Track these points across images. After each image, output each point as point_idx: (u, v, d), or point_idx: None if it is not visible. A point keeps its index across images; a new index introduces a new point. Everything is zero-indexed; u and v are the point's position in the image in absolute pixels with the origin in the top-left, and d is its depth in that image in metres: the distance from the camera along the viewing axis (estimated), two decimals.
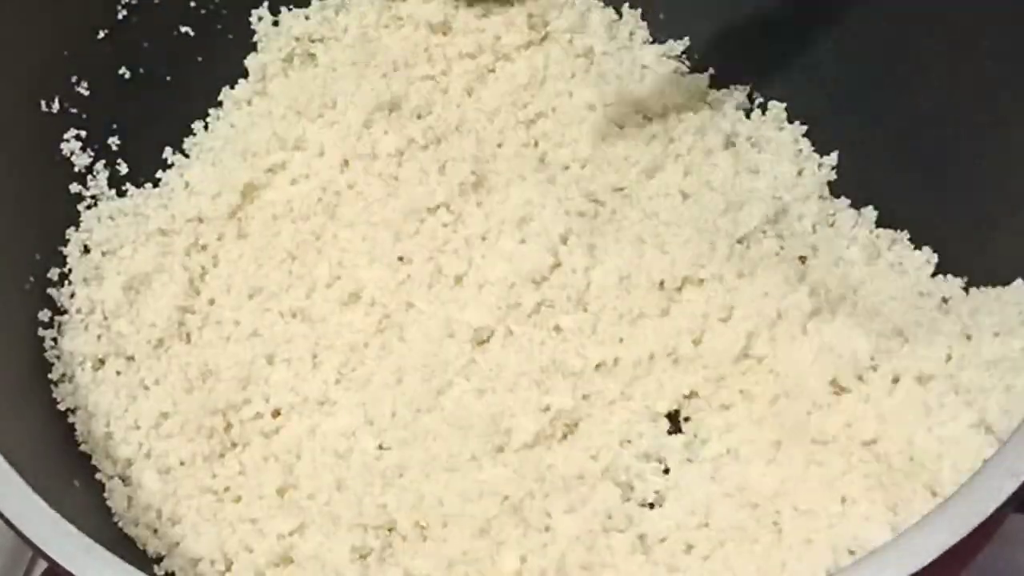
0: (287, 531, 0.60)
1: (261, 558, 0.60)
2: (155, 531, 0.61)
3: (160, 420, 0.64)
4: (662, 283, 0.65)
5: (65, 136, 0.69)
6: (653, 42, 0.77)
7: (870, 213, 0.70)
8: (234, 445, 0.64)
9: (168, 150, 0.73)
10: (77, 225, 0.69)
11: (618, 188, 0.70)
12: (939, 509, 0.46)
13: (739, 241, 0.67)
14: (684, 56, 0.77)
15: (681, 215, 0.68)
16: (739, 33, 0.76)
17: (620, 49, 0.76)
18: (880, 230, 0.69)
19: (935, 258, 0.67)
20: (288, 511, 0.61)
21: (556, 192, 0.68)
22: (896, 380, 0.60)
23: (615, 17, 0.77)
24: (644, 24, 0.78)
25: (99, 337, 0.66)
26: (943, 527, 0.46)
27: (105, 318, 0.66)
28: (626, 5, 0.78)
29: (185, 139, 0.74)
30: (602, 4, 0.78)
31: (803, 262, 0.67)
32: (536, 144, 0.73)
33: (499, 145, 0.72)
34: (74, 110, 0.70)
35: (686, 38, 0.76)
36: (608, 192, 0.70)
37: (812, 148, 0.73)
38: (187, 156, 0.73)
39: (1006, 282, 0.63)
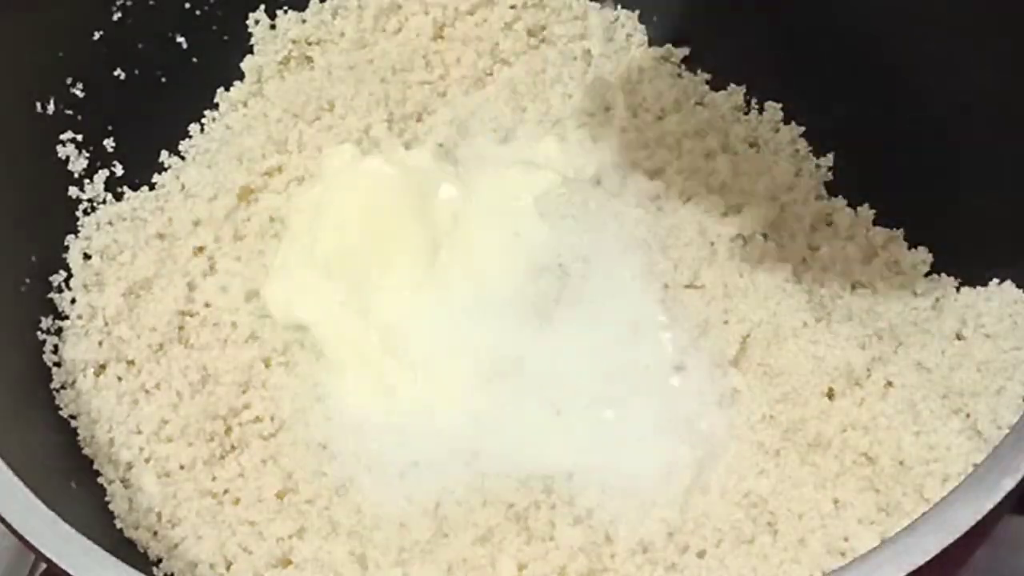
0: (286, 534, 0.60)
1: (260, 560, 0.60)
2: (155, 534, 0.61)
3: (161, 425, 0.63)
4: (666, 286, 0.65)
5: (61, 138, 0.69)
6: (650, 45, 0.77)
7: (866, 212, 0.70)
8: (233, 448, 0.64)
9: (164, 152, 0.73)
10: (76, 232, 0.69)
11: (617, 192, 0.70)
12: (935, 509, 0.46)
13: (738, 243, 0.67)
14: (681, 58, 0.77)
15: (682, 218, 0.68)
16: (735, 34, 0.76)
17: (617, 52, 0.76)
18: (876, 228, 0.69)
19: (930, 258, 0.67)
20: (287, 514, 0.61)
21: None
22: (889, 384, 0.61)
23: (612, 20, 0.77)
24: (641, 27, 0.77)
25: (100, 343, 0.66)
26: (939, 527, 0.46)
27: (106, 324, 0.66)
28: (623, 8, 0.78)
29: (181, 141, 0.73)
30: (599, 6, 0.77)
31: (803, 263, 0.67)
32: None
33: None
34: (69, 112, 0.69)
35: (683, 40, 0.76)
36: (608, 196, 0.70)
37: (809, 148, 0.73)
38: (183, 158, 0.73)
39: (998, 283, 0.63)
